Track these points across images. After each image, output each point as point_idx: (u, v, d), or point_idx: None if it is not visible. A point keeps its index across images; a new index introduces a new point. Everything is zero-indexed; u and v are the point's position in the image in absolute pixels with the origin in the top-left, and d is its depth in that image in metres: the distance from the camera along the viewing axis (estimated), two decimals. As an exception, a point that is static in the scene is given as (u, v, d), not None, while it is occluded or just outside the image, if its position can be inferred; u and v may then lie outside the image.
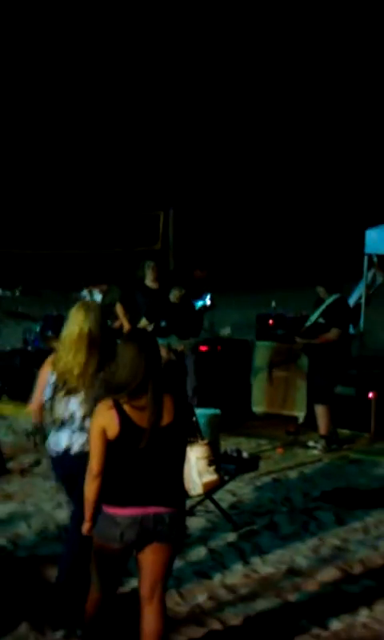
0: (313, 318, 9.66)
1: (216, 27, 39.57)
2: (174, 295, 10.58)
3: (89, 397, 5.01)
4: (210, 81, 39.35)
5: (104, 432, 4.31)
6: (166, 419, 4.36)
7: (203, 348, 10.57)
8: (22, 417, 10.37)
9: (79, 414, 5.09)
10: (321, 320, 9.53)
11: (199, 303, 10.82)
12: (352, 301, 11.12)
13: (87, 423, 4.90)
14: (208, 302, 10.85)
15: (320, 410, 9.44)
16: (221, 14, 39.47)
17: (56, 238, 20.46)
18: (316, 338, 9.50)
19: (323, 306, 9.56)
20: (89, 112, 37.50)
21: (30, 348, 11.72)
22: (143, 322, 10.47)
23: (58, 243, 20.67)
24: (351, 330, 10.30)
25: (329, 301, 9.53)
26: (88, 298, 11.56)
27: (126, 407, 4.31)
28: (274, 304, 11.20)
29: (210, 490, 6.83)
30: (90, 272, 12.12)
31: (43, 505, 7.46)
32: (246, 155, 39.11)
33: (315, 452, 9.28)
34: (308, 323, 9.71)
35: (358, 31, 40.07)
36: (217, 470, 6.76)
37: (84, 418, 5.03)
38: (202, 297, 10.76)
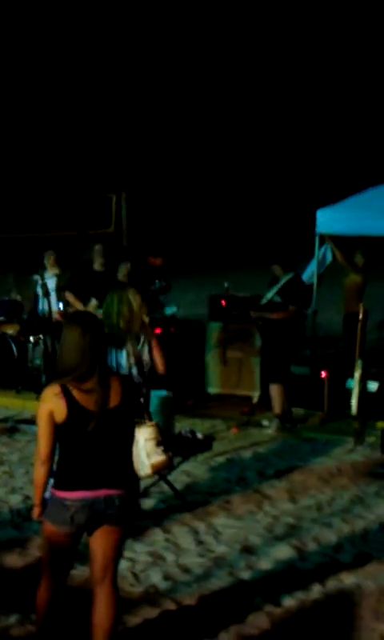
0: (269, 295, 9.67)
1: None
2: (121, 273, 10.56)
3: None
4: (161, 61, 39.18)
5: (52, 416, 4.28)
6: (114, 402, 4.34)
7: (157, 330, 10.53)
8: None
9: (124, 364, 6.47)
10: (277, 298, 9.55)
11: (168, 310, 10.81)
12: (304, 279, 11.15)
13: (134, 371, 6.78)
14: (175, 309, 10.87)
15: (274, 390, 9.47)
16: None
17: (6, 222, 20.23)
18: (273, 313, 9.52)
19: (279, 284, 9.58)
20: (43, 93, 37.17)
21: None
22: (93, 304, 10.43)
23: (8, 227, 20.45)
24: (305, 311, 10.34)
25: (285, 279, 9.55)
26: (40, 281, 11.50)
27: (74, 391, 4.28)
28: (226, 285, 11.18)
29: (159, 470, 6.81)
30: (42, 256, 12.06)
31: (-3, 491, 7.42)
32: (197, 137, 39.03)
33: (269, 431, 9.32)
34: (264, 301, 9.72)
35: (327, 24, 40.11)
36: (165, 451, 6.76)
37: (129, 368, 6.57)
38: (155, 284, 10.72)
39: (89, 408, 4.28)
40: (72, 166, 33.92)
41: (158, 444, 6.56)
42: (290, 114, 39.50)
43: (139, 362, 7.51)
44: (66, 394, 4.28)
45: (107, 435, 4.33)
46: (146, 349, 7.82)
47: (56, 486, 4.33)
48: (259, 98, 39.89)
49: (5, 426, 9.50)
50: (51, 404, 4.29)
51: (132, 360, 7.42)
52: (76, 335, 4.34)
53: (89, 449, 4.30)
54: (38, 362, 11.41)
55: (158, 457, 6.54)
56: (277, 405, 9.45)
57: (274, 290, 9.58)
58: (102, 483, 4.31)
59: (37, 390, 10.40)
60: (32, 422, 9.37)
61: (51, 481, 4.37)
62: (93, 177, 28.64)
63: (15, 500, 7.16)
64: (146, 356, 7.72)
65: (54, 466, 4.37)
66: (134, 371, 7.43)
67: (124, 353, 7.33)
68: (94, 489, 4.29)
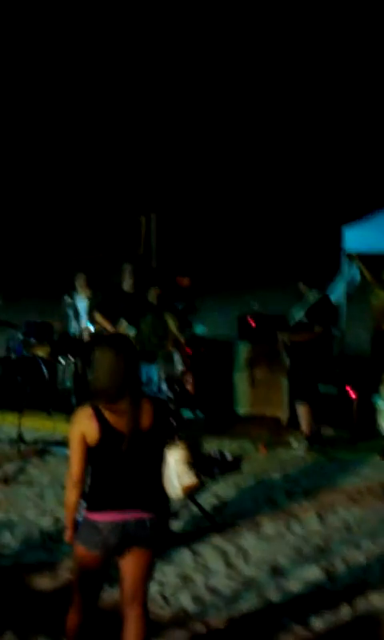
0: (296, 316, 9.70)
1: (202, 38, 39.58)
2: (151, 296, 10.65)
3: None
4: (189, 89, 39.41)
5: (84, 438, 4.33)
6: (146, 423, 4.38)
7: (187, 350, 10.61)
8: (5, 425, 10.40)
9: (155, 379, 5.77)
10: (304, 319, 9.58)
11: (199, 330, 10.88)
12: (332, 299, 11.15)
13: (163, 386, 6.42)
14: (204, 329, 10.94)
15: (301, 409, 9.49)
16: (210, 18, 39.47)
17: (38, 243, 20.46)
18: (299, 335, 9.54)
19: (307, 305, 9.62)
20: (72, 118, 37.49)
21: (13, 356, 11.72)
22: (123, 325, 10.52)
23: (39, 248, 20.67)
24: (333, 330, 10.35)
25: (312, 299, 9.58)
26: (70, 303, 11.63)
27: (106, 412, 4.33)
28: (254, 304, 11.24)
29: (190, 492, 6.88)
30: (73, 277, 12.18)
31: (27, 513, 7.46)
32: (224, 157, 39.16)
33: (298, 451, 9.33)
34: (291, 322, 9.75)
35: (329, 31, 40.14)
36: (196, 473, 6.82)
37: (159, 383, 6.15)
38: (185, 306, 10.81)
39: (121, 430, 4.32)
40: (102, 189, 34.14)
41: (189, 466, 6.63)
42: (317, 132, 39.52)
43: (170, 377, 7.59)
44: (98, 415, 4.32)
45: (139, 457, 4.37)
46: (178, 366, 7.93)
47: (88, 508, 4.38)
48: (286, 118, 39.97)
49: (35, 447, 9.57)
50: (83, 426, 4.34)
51: (162, 375, 7.52)
52: (109, 357, 4.38)
53: (120, 471, 4.35)
54: (68, 383, 11.51)
55: (189, 479, 6.62)
56: (305, 424, 9.46)
57: (301, 310, 9.61)
58: (133, 505, 4.35)
59: (67, 411, 10.48)
60: (62, 443, 9.43)
61: (83, 503, 4.41)
62: (123, 199, 28.81)
63: (46, 522, 7.22)
64: (177, 372, 7.83)
65: (86, 488, 4.41)
66: (164, 386, 7.52)
67: (154, 368, 7.42)
68: (125, 511, 4.33)
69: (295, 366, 9.77)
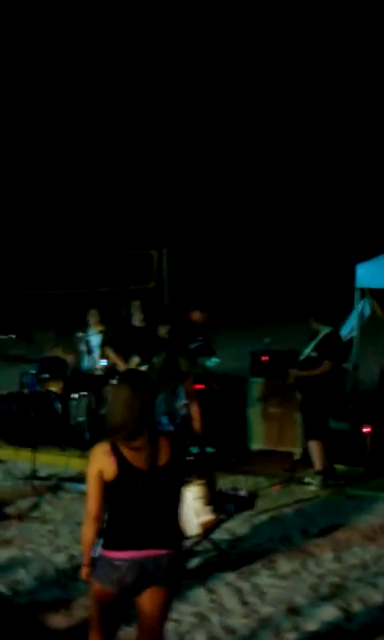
0: (306, 351, 9.72)
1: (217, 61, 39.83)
2: (162, 332, 10.67)
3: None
4: (197, 120, 39.70)
5: (101, 475, 4.33)
6: (163, 460, 4.38)
7: (199, 386, 10.60)
8: (19, 461, 10.40)
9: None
10: (313, 354, 9.60)
11: (212, 362, 10.89)
12: (343, 334, 11.18)
13: (163, 419, 7.03)
14: (216, 361, 10.94)
15: (313, 446, 9.47)
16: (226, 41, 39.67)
17: (48, 278, 20.53)
18: (309, 371, 9.56)
19: (316, 340, 9.64)
20: (83, 151, 37.77)
21: (26, 391, 11.74)
22: (135, 361, 10.54)
23: (50, 283, 20.74)
24: (344, 365, 10.35)
25: (321, 334, 9.61)
26: (83, 338, 11.66)
27: (123, 449, 4.33)
28: (267, 340, 11.24)
29: (208, 529, 6.86)
30: (85, 312, 12.22)
31: (42, 550, 7.45)
32: (238, 193, 39.36)
33: (312, 488, 9.29)
34: (301, 357, 9.78)
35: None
36: (213, 510, 6.81)
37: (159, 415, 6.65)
38: (199, 342, 10.81)
39: (138, 466, 4.32)
40: (113, 223, 34.33)
41: (207, 503, 6.62)
42: (333, 170, 39.72)
43: (171, 411, 7.61)
44: (116, 452, 4.32)
45: (156, 494, 4.36)
46: (181, 401, 7.94)
47: (105, 546, 4.36)
48: (303, 155, 40.18)
49: (49, 483, 9.56)
50: (101, 462, 4.33)
51: (163, 408, 7.53)
52: (126, 393, 4.40)
53: (138, 507, 4.34)
54: (81, 418, 11.50)
55: (207, 516, 6.61)
56: (317, 461, 9.43)
57: (311, 345, 9.63)
58: (150, 543, 4.33)
59: (81, 447, 10.49)
60: (76, 479, 9.44)
61: (99, 540, 4.40)
62: (134, 233, 28.95)
63: (60, 559, 7.20)
64: (179, 406, 7.83)
65: (103, 525, 4.40)
66: (164, 420, 7.53)
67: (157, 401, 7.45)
68: (143, 549, 4.32)
69: (306, 401, 9.76)
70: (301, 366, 9.70)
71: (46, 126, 37.29)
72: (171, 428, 7.52)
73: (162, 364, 8.09)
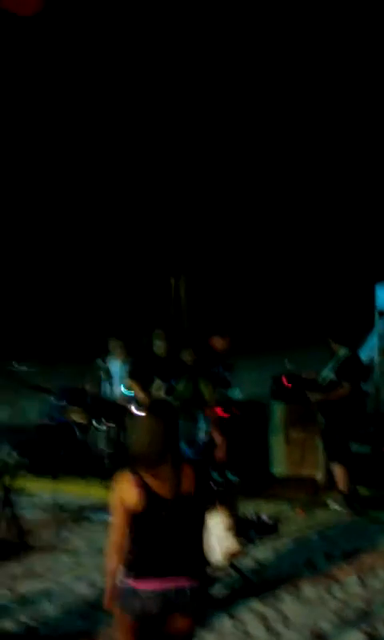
0: (324, 374, 9.71)
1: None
2: (185, 358, 10.67)
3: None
4: (214, 145, 39.87)
5: (125, 504, 4.33)
6: (187, 488, 4.38)
7: (223, 414, 10.57)
8: (41, 490, 10.40)
9: None
10: (332, 377, 9.58)
11: (234, 394, 10.88)
12: (364, 356, 11.15)
13: (182, 445, 6.93)
14: (239, 394, 10.94)
15: (336, 469, 9.43)
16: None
17: (69, 309, 20.66)
18: (328, 394, 9.54)
19: (335, 363, 9.63)
20: (101, 181, 38.01)
21: (47, 420, 11.77)
22: (157, 385, 10.53)
23: (71, 314, 20.87)
24: (365, 387, 10.31)
25: (340, 357, 9.59)
26: (103, 366, 11.69)
27: (147, 478, 4.33)
28: (287, 364, 11.23)
29: (232, 558, 6.84)
30: (105, 340, 12.25)
31: (66, 580, 7.44)
32: (254, 217, 39.43)
33: (336, 508, 9.23)
34: (321, 380, 9.76)
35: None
36: (237, 537, 6.78)
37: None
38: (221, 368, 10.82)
39: (162, 495, 4.32)
40: (131, 251, 34.47)
41: (230, 530, 6.60)
42: (350, 190, 39.73)
43: (191, 439, 7.61)
44: (139, 481, 4.33)
45: (180, 522, 4.35)
46: (202, 426, 7.94)
47: (128, 576, 4.35)
48: (318, 176, 40.21)
49: (71, 514, 9.55)
50: (124, 492, 4.34)
51: (182, 435, 7.53)
52: (149, 422, 4.41)
53: (162, 537, 4.33)
54: (103, 447, 11.51)
55: (231, 545, 6.58)
56: (341, 484, 9.39)
57: (330, 368, 9.61)
58: (174, 573, 4.32)
59: (102, 476, 10.48)
60: (98, 509, 9.43)
61: (123, 570, 4.40)
62: (151, 261, 29.07)
63: (84, 590, 7.18)
64: (200, 433, 7.83)
65: (127, 555, 4.40)
66: (183, 446, 7.52)
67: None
68: (166, 578, 4.30)
69: (328, 425, 9.73)
70: (321, 390, 9.68)
71: (63, 153, 37.56)
72: (191, 455, 7.53)
73: (184, 391, 8.10)
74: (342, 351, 9.61)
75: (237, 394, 10.82)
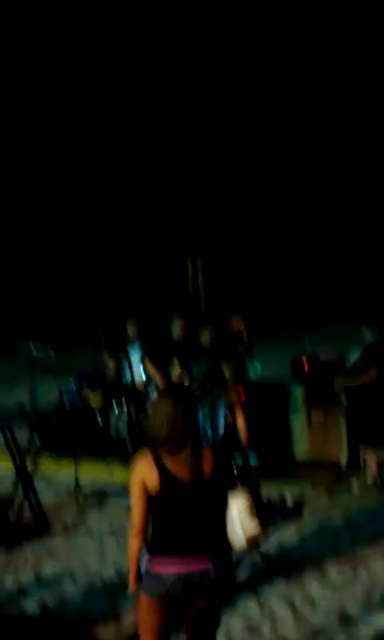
0: (353, 358, 9.58)
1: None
2: (204, 340, 10.60)
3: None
4: (230, 130, 39.69)
5: (145, 487, 4.28)
6: (207, 472, 4.33)
7: (243, 398, 10.50)
8: (61, 473, 10.38)
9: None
10: (359, 361, 9.47)
11: (255, 370, 10.80)
12: None
13: (207, 428, 7.32)
14: (260, 370, 10.86)
15: (368, 453, 9.34)
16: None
17: (86, 292, 20.60)
18: (354, 379, 9.43)
19: (362, 347, 9.51)
20: (117, 163, 37.91)
21: (66, 404, 11.74)
22: (177, 370, 10.46)
23: (89, 297, 20.81)
24: None
25: (369, 340, 9.48)
26: (122, 350, 11.63)
27: (166, 462, 4.29)
28: (307, 346, 11.14)
29: (254, 542, 6.76)
30: (123, 324, 12.20)
31: (89, 563, 7.41)
32: (271, 196, 39.25)
33: (356, 491, 9.17)
34: (348, 365, 9.63)
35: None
36: (260, 522, 6.71)
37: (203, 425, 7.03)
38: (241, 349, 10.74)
39: (182, 478, 4.27)
40: (148, 233, 34.39)
41: (252, 514, 6.52)
42: (366, 171, 39.45)
43: (214, 422, 7.54)
44: (159, 464, 4.28)
45: (201, 506, 4.30)
46: (222, 411, 7.87)
47: (151, 558, 4.31)
48: (338, 152, 39.94)
49: (93, 496, 9.52)
50: (144, 475, 4.29)
51: (207, 417, 7.47)
52: (168, 406, 4.36)
53: (183, 520, 4.28)
54: (123, 431, 11.48)
55: (253, 529, 6.50)
56: (372, 467, 9.31)
57: (358, 351, 9.50)
58: (197, 556, 4.27)
59: (123, 459, 10.44)
60: (120, 492, 9.39)
61: (146, 553, 4.35)
62: (168, 243, 28.97)
63: (108, 572, 7.15)
64: (222, 418, 7.76)
65: (148, 538, 4.35)
66: (208, 428, 7.46)
67: (200, 412, 7.39)
68: (189, 562, 4.26)
69: (356, 409, 9.60)
70: (348, 374, 9.56)
71: (79, 137, 37.46)
72: (215, 438, 7.46)
73: (204, 373, 8.02)
74: (370, 335, 9.49)
75: (258, 369, 10.74)
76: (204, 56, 36.30)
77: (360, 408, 9.43)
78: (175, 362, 10.66)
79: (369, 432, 9.34)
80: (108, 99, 36.54)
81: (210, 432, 7.56)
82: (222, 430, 7.78)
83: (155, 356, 11.03)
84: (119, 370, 11.72)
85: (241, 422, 7.90)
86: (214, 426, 7.67)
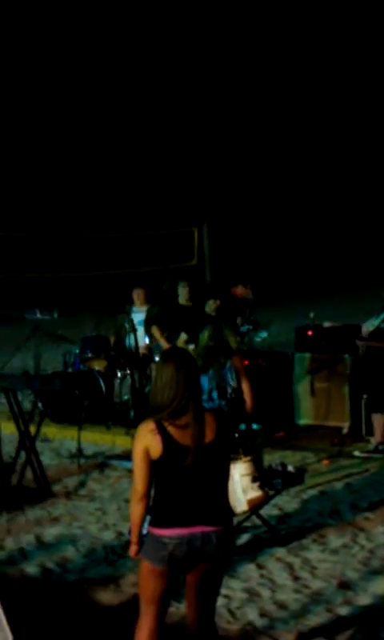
0: (376, 322, 9.49)
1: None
2: (209, 307, 10.58)
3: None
4: (240, 99, 39.46)
5: (147, 453, 4.27)
6: (209, 437, 4.31)
7: (245, 362, 10.50)
8: (64, 439, 10.41)
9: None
10: (381, 325, 9.39)
11: (261, 335, 10.76)
12: None
13: (214, 394, 7.29)
14: (265, 335, 10.81)
15: (377, 419, 9.32)
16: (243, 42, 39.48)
17: (90, 260, 20.53)
18: (377, 342, 9.34)
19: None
20: (122, 133, 37.75)
21: (70, 370, 11.75)
22: (183, 338, 10.44)
23: (92, 264, 20.75)
24: None
25: None
26: (126, 316, 11.61)
27: (169, 427, 4.27)
28: (312, 315, 11.11)
29: (256, 506, 6.78)
30: (128, 291, 12.17)
31: (90, 527, 7.44)
32: (278, 165, 39.05)
33: (358, 454, 9.17)
34: (371, 328, 9.53)
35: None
36: (261, 486, 6.72)
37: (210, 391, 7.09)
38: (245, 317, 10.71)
39: (184, 444, 4.26)
40: (153, 202, 34.26)
41: (254, 480, 6.53)
42: (372, 141, 39.22)
43: (221, 386, 7.53)
44: (161, 430, 4.27)
45: (203, 471, 4.29)
46: (229, 374, 7.86)
47: (153, 524, 4.31)
48: (343, 126, 39.74)
49: (95, 461, 9.55)
50: (146, 440, 4.28)
51: (214, 384, 7.46)
52: (170, 372, 4.33)
53: (185, 485, 4.28)
54: (125, 397, 11.49)
55: (255, 493, 6.51)
56: (378, 434, 9.31)
57: (378, 318, 9.40)
58: (199, 520, 4.27)
59: (126, 425, 10.47)
60: (122, 457, 9.42)
61: (148, 518, 4.35)
62: (174, 211, 28.86)
63: (108, 537, 7.17)
64: (229, 381, 7.75)
65: (151, 503, 4.35)
66: (215, 395, 7.45)
67: (206, 377, 7.38)
68: (191, 526, 4.25)
69: (372, 376, 9.52)
70: (371, 337, 9.47)
71: (87, 103, 37.30)
72: (223, 403, 7.45)
73: (209, 340, 8.00)
74: None
75: (263, 335, 10.70)
76: (205, 39, 36.03)
77: (377, 375, 9.32)
78: (181, 330, 10.64)
79: (381, 397, 9.27)
80: (115, 75, 36.36)
81: (216, 397, 7.55)
82: (230, 395, 7.78)
83: (161, 321, 11.01)
84: (124, 337, 11.71)
85: (246, 388, 7.90)
86: (222, 391, 7.66)
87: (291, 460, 9.00)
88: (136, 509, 4.36)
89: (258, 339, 10.80)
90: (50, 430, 10.81)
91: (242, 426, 7.63)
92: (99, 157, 36.74)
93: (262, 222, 35.76)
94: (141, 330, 11.47)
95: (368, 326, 9.51)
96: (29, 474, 8.38)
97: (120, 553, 6.68)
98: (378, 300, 9.66)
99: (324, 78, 40.46)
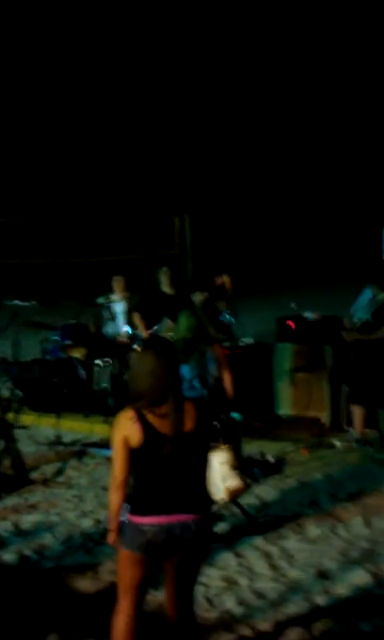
0: (362, 315, 9.47)
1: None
2: (197, 299, 10.54)
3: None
4: (221, 88, 39.39)
5: (126, 441, 4.25)
6: (188, 426, 4.30)
7: (225, 351, 10.47)
8: (43, 427, 10.36)
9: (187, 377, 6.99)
10: (370, 318, 9.37)
11: (226, 318, 10.74)
12: None
13: (196, 383, 7.21)
14: (231, 320, 10.79)
15: (356, 410, 9.32)
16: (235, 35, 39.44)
17: (71, 247, 20.46)
18: (366, 334, 9.33)
19: (375, 305, 9.40)
20: (103, 121, 37.64)
21: (49, 357, 11.69)
22: (168, 326, 10.40)
23: (73, 252, 20.68)
24: None
25: (379, 300, 9.39)
26: (106, 305, 11.58)
27: (148, 415, 4.26)
28: (293, 306, 11.10)
29: (235, 494, 6.77)
30: (108, 279, 12.12)
31: (67, 514, 7.40)
32: (260, 155, 39.02)
33: (337, 444, 9.19)
34: (356, 321, 9.51)
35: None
36: (240, 475, 6.71)
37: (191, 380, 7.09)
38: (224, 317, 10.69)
39: (164, 432, 4.24)
40: (134, 190, 34.17)
41: (233, 468, 6.52)
42: (357, 131, 39.24)
43: (203, 375, 7.50)
44: (141, 418, 4.25)
45: (182, 459, 4.28)
46: (211, 364, 7.83)
47: (132, 512, 4.29)
48: (327, 117, 39.76)
49: (73, 449, 9.52)
50: (126, 429, 4.26)
51: (195, 373, 7.43)
52: (149, 360, 4.31)
53: (164, 473, 4.26)
54: (104, 385, 11.45)
55: (234, 481, 6.50)
56: (358, 425, 9.31)
57: (368, 309, 9.37)
58: (177, 508, 4.26)
59: (104, 413, 10.43)
60: (100, 445, 9.39)
61: (126, 506, 4.33)
62: (155, 200, 28.79)
63: (86, 524, 7.14)
64: (211, 369, 7.72)
65: (130, 491, 4.32)
66: (196, 383, 7.42)
67: (188, 366, 7.34)
68: (169, 514, 4.24)
69: (354, 367, 9.51)
70: (358, 331, 9.46)
71: (70, 96, 37.19)
72: (205, 392, 7.42)
73: (188, 331, 7.97)
74: (382, 295, 9.37)
75: (228, 318, 10.66)
76: (200, 34, 35.94)
77: (361, 366, 9.32)
78: (166, 319, 10.60)
79: (363, 390, 9.27)
80: (99, 66, 36.25)
81: (198, 386, 7.51)
82: (212, 383, 7.75)
83: (143, 309, 10.98)
84: (103, 325, 11.68)
85: (226, 377, 7.88)
86: (203, 381, 7.62)
87: (270, 450, 9.01)
88: (114, 496, 4.34)
89: (225, 320, 10.72)
90: (28, 418, 10.76)
91: (223, 416, 7.61)
92: (81, 145, 36.63)
93: (243, 212, 35.73)
94: (121, 318, 11.43)
95: (354, 320, 9.49)
96: (6, 462, 8.34)
97: (98, 540, 6.65)
98: (355, 292, 9.66)
99: (306, 70, 40.44)
